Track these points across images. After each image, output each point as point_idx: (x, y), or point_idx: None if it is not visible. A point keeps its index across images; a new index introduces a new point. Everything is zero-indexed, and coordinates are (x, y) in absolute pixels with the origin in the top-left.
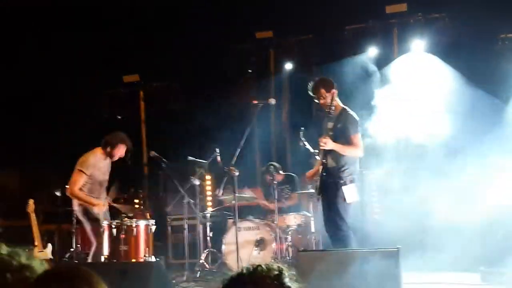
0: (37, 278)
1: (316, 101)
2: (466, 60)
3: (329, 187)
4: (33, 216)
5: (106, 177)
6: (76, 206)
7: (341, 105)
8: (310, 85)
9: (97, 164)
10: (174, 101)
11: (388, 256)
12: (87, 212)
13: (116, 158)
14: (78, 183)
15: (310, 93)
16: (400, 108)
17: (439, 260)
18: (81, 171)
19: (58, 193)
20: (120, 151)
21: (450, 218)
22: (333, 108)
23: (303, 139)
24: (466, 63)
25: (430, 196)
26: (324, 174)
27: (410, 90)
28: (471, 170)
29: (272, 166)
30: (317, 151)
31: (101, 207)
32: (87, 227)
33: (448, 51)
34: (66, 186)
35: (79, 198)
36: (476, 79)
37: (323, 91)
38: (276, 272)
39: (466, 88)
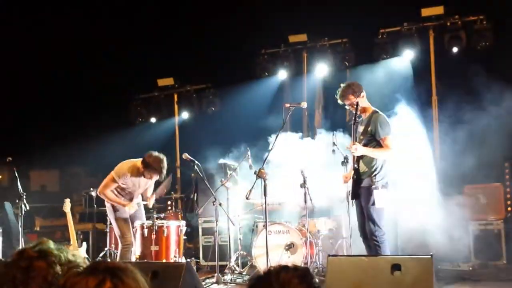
0: (87, 268)
1: (346, 106)
2: (506, 63)
3: (362, 192)
4: (69, 215)
5: (139, 190)
6: (106, 204)
7: (372, 107)
8: (338, 91)
9: (131, 176)
10: (208, 104)
11: (421, 263)
12: (113, 211)
13: (147, 179)
14: (108, 187)
15: (339, 100)
16: (434, 114)
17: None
18: (113, 178)
19: (93, 194)
20: (149, 175)
21: None
22: (360, 112)
23: (335, 142)
24: (506, 67)
25: None
26: (357, 179)
27: (445, 94)
28: None
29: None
30: (346, 156)
31: (131, 207)
32: (113, 225)
33: (487, 54)
34: None
35: (107, 198)
36: None
37: (351, 96)
38: (303, 273)
39: (505, 92)
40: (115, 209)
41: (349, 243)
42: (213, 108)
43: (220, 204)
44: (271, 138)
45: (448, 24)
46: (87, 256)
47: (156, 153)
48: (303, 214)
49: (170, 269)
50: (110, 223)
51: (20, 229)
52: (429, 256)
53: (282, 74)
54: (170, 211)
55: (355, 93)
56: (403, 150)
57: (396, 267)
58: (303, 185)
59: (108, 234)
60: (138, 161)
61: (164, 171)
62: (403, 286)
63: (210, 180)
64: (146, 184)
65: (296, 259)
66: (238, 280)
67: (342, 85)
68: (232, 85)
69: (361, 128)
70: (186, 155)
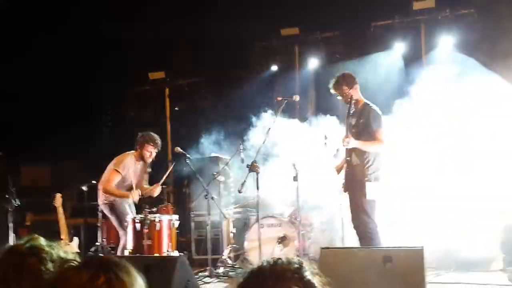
0: (80, 262)
1: (338, 97)
2: (495, 57)
3: (354, 185)
4: (60, 210)
5: (136, 180)
6: (101, 203)
7: (364, 100)
8: (332, 81)
9: (131, 166)
10: (199, 97)
11: (413, 255)
12: (114, 208)
13: (147, 159)
14: (113, 181)
15: (332, 90)
16: (426, 107)
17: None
18: (116, 170)
19: (85, 188)
20: (148, 151)
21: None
22: (353, 104)
23: (326, 136)
24: (496, 60)
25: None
26: (349, 171)
27: (437, 88)
28: (496, 171)
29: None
30: (338, 148)
31: (135, 196)
32: (115, 222)
33: (477, 48)
34: (93, 182)
35: (113, 194)
36: (506, 77)
37: (345, 88)
38: (297, 265)
39: (495, 86)
40: (112, 208)
41: (341, 236)
42: (204, 102)
43: (212, 198)
44: (254, 119)
45: (440, 17)
46: (78, 250)
47: (144, 132)
48: (296, 207)
49: (163, 263)
50: (103, 218)
51: (11, 224)
52: (421, 248)
53: (274, 68)
54: (162, 205)
55: (348, 84)
56: (395, 144)
57: (387, 258)
58: (296, 178)
59: (99, 228)
60: (132, 151)
61: (159, 142)
62: (395, 277)
63: (202, 174)
64: (141, 173)
65: (288, 251)
66: (230, 273)
67: (336, 75)
68: (224, 79)
69: (353, 121)
70: (178, 149)
